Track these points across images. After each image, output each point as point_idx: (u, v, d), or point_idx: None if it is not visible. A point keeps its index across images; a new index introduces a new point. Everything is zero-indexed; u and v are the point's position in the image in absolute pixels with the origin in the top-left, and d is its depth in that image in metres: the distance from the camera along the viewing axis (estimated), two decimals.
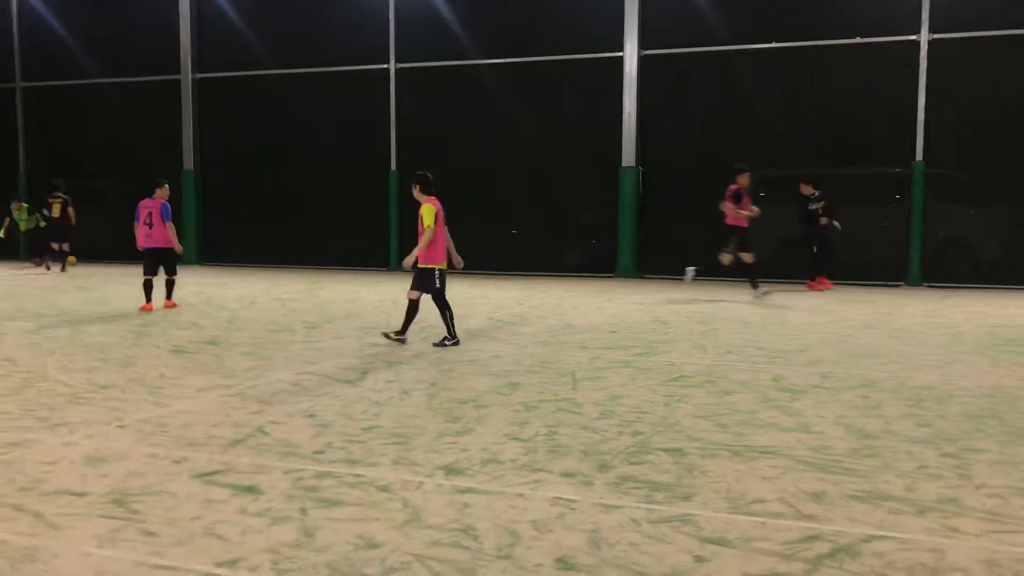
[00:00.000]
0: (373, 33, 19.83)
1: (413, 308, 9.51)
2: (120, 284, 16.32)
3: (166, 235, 12.45)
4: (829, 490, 4.78)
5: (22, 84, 23.12)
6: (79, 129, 22.65)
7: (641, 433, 5.96)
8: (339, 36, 20.18)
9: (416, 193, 9.42)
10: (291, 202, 20.64)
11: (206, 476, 4.99)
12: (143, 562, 3.79)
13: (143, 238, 12.47)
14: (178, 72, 21.49)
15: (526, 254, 19.21)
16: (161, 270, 12.62)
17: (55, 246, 20.07)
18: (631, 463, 5.28)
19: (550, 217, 19.04)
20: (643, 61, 18.15)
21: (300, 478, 4.96)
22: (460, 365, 8.32)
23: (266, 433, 5.92)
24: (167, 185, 12.91)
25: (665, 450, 5.56)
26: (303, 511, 4.43)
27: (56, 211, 19.61)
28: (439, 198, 9.48)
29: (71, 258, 21.09)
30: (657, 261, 18.39)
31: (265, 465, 5.20)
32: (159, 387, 7.38)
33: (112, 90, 22.23)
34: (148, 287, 12.51)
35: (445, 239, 9.47)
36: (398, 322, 11.04)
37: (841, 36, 16.97)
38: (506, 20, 19.18)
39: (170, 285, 12.83)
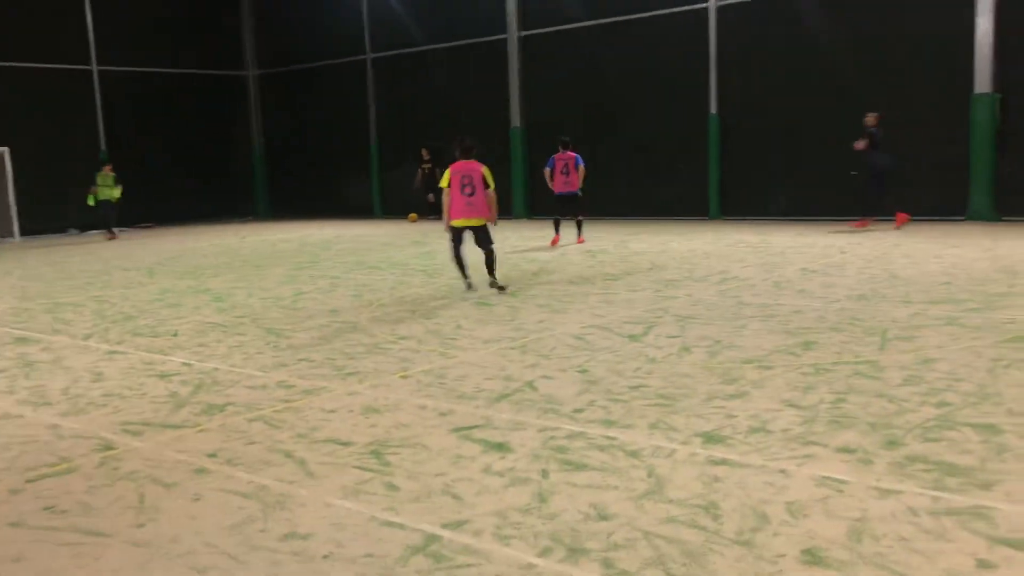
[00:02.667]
0: None
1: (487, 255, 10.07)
2: None
3: (577, 182, 14.77)
4: None
5: (372, 55, 25.18)
6: (417, 94, 24.27)
7: (948, 404, 5.11)
8: None
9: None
10: (610, 151, 20.57)
11: (463, 430, 5.01)
12: (376, 517, 3.85)
13: (561, 184, 14.84)
14: (504, 32, 22.20)
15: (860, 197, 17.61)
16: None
17: (431, 198, 22.09)
18: (927, 440, 4.53)
19: (889, 155, 17.25)
20: None
21: (552, 437, 4.82)
22: (754, 322, 7.73)
23: (535, 388, 5.86)
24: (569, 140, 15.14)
25: (973, 426, 4.71)
26: (544, 473, 4.29)
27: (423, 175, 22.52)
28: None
29: (412, 215, 22.84)
30: (1020, 201, 16.04)
31: (522, 422, 5.12)
32: (452, 338, 7.63)
33: (446, 54, 23.52)
34: (557, 224, 15.33)
35: (456, 197, 9.72)
36: (701, 274, 10.68)
37: None
38: None
39: (580, 224, 15.37)
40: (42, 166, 22.90)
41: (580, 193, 14.95)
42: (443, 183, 9.79)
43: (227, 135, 27.96)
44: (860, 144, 15.27)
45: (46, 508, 4.14)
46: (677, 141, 19.80)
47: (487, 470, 4.37)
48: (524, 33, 22.00)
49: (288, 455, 4.72)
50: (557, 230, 15.31)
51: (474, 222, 9.81)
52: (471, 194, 9.66)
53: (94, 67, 24.70)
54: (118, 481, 4.44)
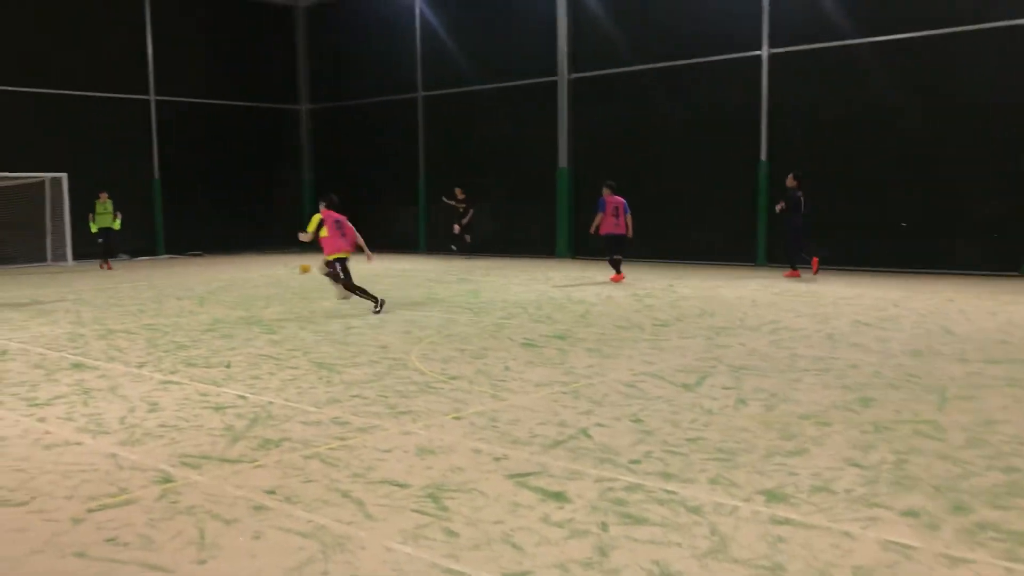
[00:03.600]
0: (743, 19, 19.13)
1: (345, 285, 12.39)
2: (496, 277, 17.33)
3: (625, 226, 15.70)
4: None
5: (423, 93, 25.51)
6: (466, 132, 24.54)
7: (1017, 470, 5.00)
8: (705, 26, 19.74)
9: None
10: (658, 194, 20.56)
11: (519, 477, 4.98)
12: (437, 564, 3.83)
13: (611, 226, 15.68)
14: (555, 74, 22.39)
15: (912, 249, 17.42)
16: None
17: (467, 238, 23.00)
18: (995, 507, 4.42)
19: (941, 207, 17.10)
20: None
21: (610, 488, 4.77)
22: (809, 375, 7.64)
23: (589, 436, 5.82)
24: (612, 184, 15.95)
25: None
26: (603, 526, 4.24)
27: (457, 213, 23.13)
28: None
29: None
30: None
31: (579, 471, 5.08)
32: (502, 380, 7.62)
33: (495, 94, 23.77)
34: (615, 264, 15.97)
35: (334, 237, 12.01)
36: (752, 322, 10.62)
37: None
38: None
39: (618, 263, 16.00)
40: (96, 192, 23.27)
41: (629, 236, 15.83)
42: (311, 227, 11.98)
43: (278, 167, 28.44)
44: (780, 206, 16.22)
45: (108, 540, 4.17)
46: (726, 186, 19.77)
47: (546, 520, 4.34)
48: (574, 75, 22.19)
49: (346, 495, 4.72)
50: (618, 270, 16.02)
51: (345, 254, 12.19)
52: (343, 235, 12.10)
53: (152, 96, 25.30)
54: (178, 515, 4.47)
